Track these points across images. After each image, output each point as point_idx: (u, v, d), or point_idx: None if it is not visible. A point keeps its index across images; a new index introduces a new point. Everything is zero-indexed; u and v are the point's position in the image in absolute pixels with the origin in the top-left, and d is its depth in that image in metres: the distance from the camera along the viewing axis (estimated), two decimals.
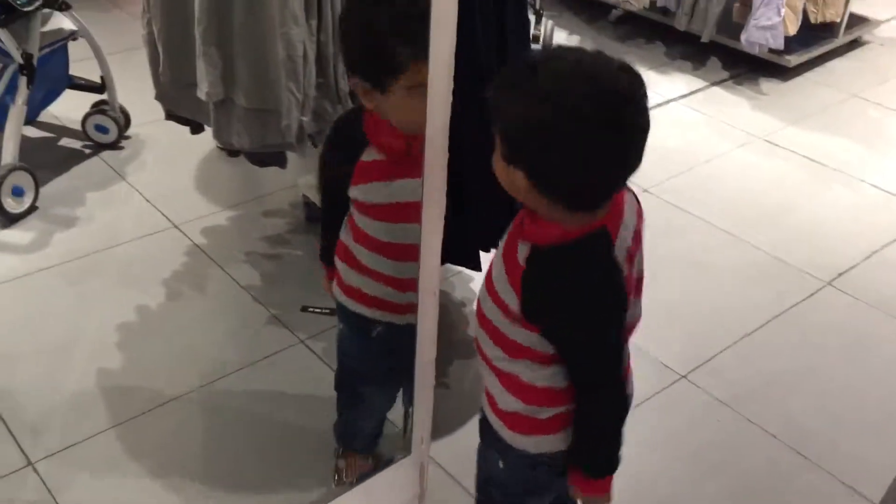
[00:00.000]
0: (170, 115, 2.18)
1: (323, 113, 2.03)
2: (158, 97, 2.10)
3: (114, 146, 2.95)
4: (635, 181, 1.10)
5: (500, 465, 1.33)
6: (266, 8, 1.82)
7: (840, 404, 2.14)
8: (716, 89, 3.71)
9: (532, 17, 3.81)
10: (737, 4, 3.74)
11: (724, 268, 2.60)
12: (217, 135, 2.03)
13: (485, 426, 1.33)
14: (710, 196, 2.93)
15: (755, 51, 3.63)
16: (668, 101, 3.55)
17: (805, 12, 3.71)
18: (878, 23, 4.25)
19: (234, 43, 1.88)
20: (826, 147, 3.27)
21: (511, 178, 1.09)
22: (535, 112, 1.01)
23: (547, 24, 3.86)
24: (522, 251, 1.13)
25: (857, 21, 4.12)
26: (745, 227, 2.76)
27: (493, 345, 1.22)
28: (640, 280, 1.24)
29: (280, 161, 2.17)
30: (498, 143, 1.09)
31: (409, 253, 1.45)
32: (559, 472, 1.27)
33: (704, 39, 3.74)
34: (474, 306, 1.18)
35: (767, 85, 3.75)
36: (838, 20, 3.83)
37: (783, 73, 3.79)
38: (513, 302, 1.14)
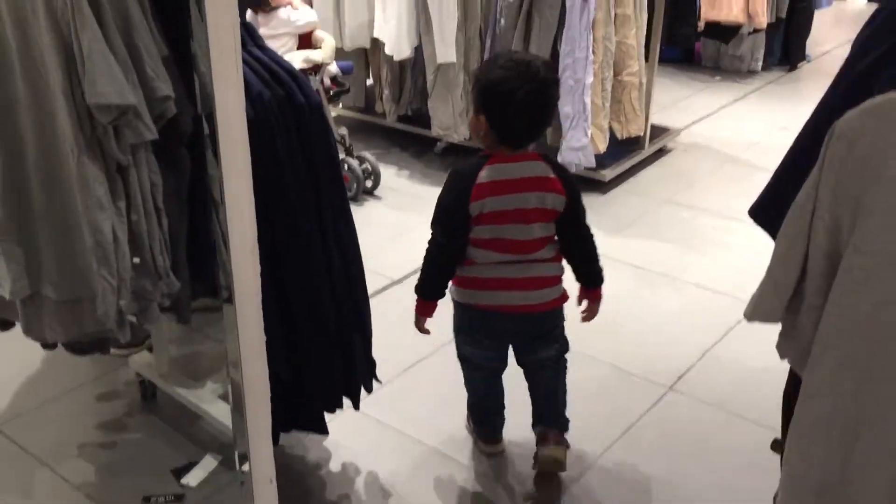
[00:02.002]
0: None
1: (143, 292, 1.95)
2: None
3: None
4: None
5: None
6: (67, 197, 1.75)
7: None
8: None
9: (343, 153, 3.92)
10: (549, 129, 3.97)
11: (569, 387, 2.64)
12: (27, 330, 1.90)
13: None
14: None
15: (572, 170, 3.84)
16: None
17: (611, 129, 3.99)
18: (678, 131, 4.63)
19: (37, 235, 1.80)
20: (648, 253, 3.47)
21: (478, 125, 1.99)
22: (496, 86, 1.93)
23: (368, 157, 3.98)
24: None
25: (659, 132, 4.47)
26: (584, 343, 2.83)
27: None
28: (540, 211, 2.03)
29: (102, 347, 2.06)
30: (473, 104, 2.01)
31: None
32: None
33: None
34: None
35: (588, 199, 3.89)
36: (642, 133, 4.14)
37: (601, 186, 4.03)
38: None
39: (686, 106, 5.22)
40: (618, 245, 3.53)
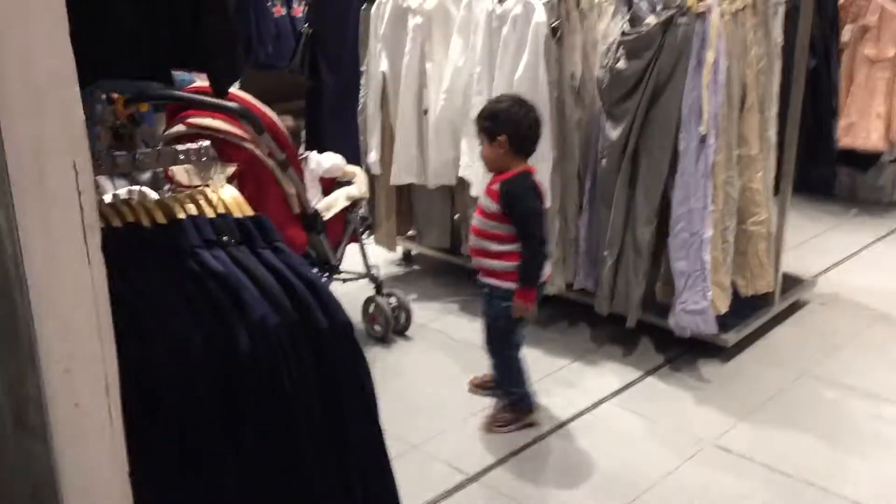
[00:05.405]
0: None
1: None
2: None
3: None
4: None
5: (502, 304, 2.77)
6: None
7: None
8: (652, 380, 3.27)
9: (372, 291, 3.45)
10: (659, 284, 3.41)
11: None
12: None
13: (490, 289, 2.81)
14: None
15: (687, 334, 3.26)
16: (598, 403, 3.09)
17: (735, 285, 3.40)
18: (813, 281, 3.97)
19: None
20: (786, 449, 2.79)
21: (497, 149, 2.72)
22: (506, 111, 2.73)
23: (398, 293, 3.66)
24: (497, 187, 2.71)
25: (791, 282, 3.83)
26: None
27: (488, 240, 2.75)
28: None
29: None
30: (486, 136, 2.74)
31: None
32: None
33: (629, 325, 3.36)
34: None
35: (707, 368, 3.33)
36: (771, 290, 3.51)
37: (721, 353, 3.39)
38: (495, 208, 2.70)
39: (819, 245, 4.56)
40: (745, 434, 2.88)
